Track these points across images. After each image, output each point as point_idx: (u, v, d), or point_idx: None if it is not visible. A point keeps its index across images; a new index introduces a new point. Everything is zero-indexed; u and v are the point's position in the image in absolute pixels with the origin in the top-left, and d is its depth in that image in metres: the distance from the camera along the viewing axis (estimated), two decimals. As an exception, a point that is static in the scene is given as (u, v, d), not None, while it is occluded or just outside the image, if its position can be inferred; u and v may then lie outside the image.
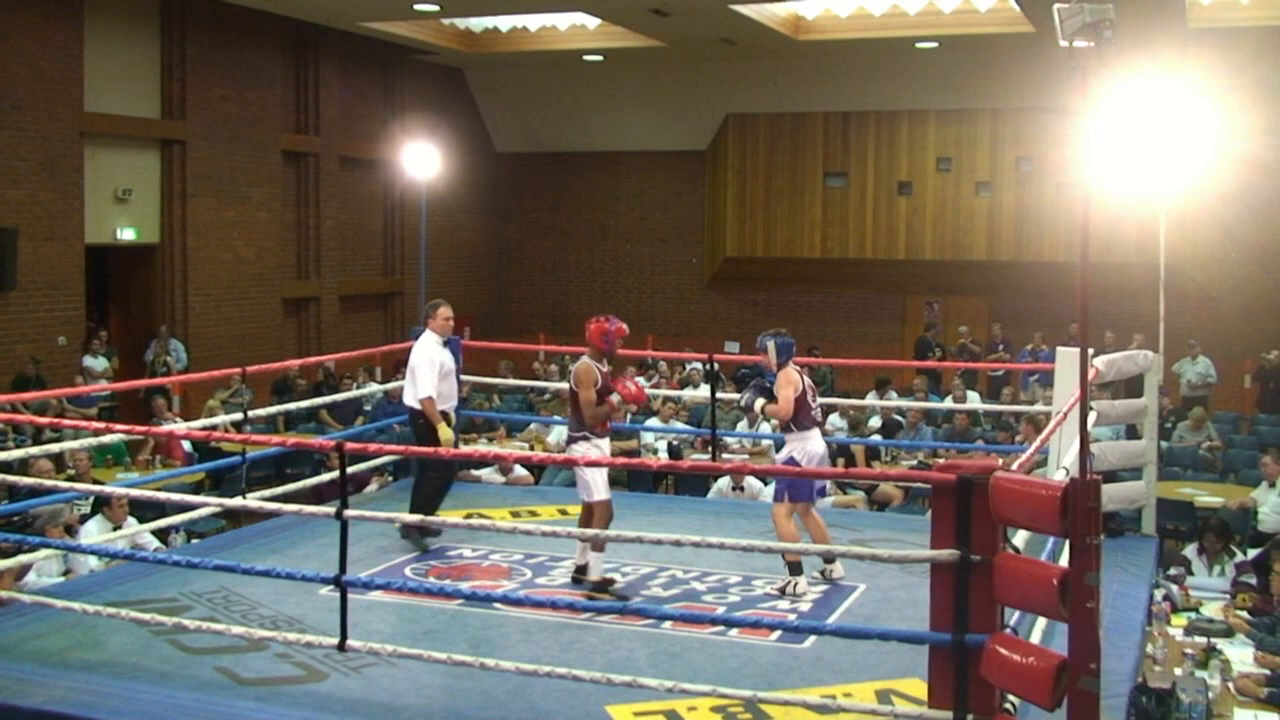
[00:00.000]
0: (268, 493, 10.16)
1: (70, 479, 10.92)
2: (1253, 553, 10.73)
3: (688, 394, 16.33)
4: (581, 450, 8.36)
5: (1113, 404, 9.96)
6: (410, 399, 9.48)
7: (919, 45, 21.17)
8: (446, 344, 9.53)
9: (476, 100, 26.39)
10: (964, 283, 24.05)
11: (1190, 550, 10.60)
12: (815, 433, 8.66)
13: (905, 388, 18.29)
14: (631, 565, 8.66)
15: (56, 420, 9.37)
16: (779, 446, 13.55)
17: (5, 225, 16.06)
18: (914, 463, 13.96)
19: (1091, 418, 6.89)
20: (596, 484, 8.29)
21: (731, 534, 8.19)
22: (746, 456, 13.88)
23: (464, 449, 12.82)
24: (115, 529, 9.47)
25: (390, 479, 12.35)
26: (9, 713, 6.10)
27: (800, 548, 7.85)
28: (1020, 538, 5.96)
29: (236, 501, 8.82)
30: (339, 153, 22.21)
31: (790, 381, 8.49)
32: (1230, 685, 7.36)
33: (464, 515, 10.01)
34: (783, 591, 8.05)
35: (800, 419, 8.53)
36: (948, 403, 16.32)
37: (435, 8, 19.16)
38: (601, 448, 8.42)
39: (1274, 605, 8.55)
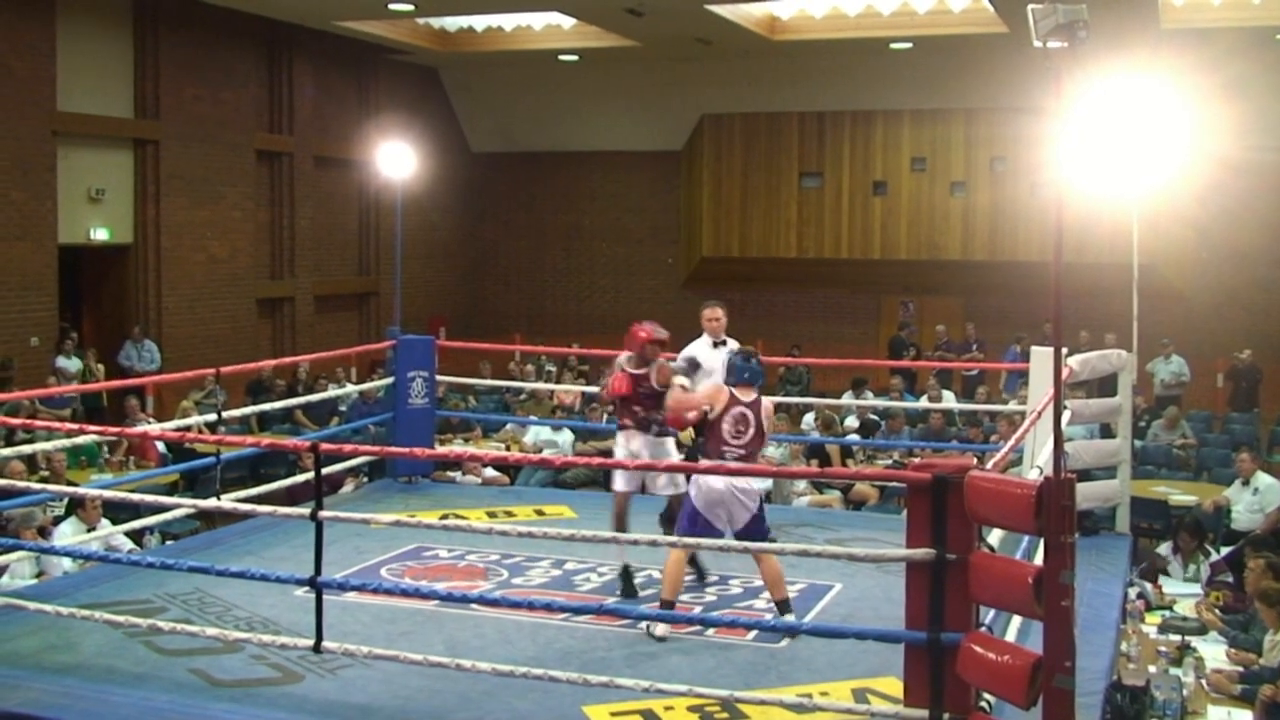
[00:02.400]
0: (242, 494, 10.11)
1: (44, 481, 10.85)
2: (1225, 550, 10.80)
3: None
4: (620, 438, 8.50)
5: (1087, 403, 9.99)
6: None
7: (893, 46, 21.22)
8: (718, 345, 8.91)
9: (451, 100, 26.34)
10: (939, 282, 24.12)
11: (1165, 549, 10.65)
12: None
13: (881, 387, 18.34)
14: (608, 565, 8.64)
15: (29, 422, 9.31)
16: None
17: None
18: (889, 462, 13.99)
19: (1066, 417, 6.92)
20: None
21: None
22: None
23: (440, 449, 12.82)
24: (89, 530, 9.42)
25: (365, 480, 12.31)
26: (-18, 715, 6.06)
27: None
28: (995, 536, 5.98)
29: (211, 503, 8.77)
30: (313, 152, 22.14)
31: (710, 396, 7.59)
32: (1204, 682, 7.40)
33: (439, 516, 9.99)
34: (649, 632, 7.28)
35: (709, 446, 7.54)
36: (923, 402, 16.37)
37: (410, 7, 19.11)
38: (622, 441, 8.47)
39: (1247, 603, 8.59)
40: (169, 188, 18.97)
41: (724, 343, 8.98)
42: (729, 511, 7.36)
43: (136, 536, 10.27)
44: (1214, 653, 7.99)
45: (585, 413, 15.72)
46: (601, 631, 7.36)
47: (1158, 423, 15.70)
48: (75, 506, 9.72)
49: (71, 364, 17.00)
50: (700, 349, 9.03)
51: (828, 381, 20.88)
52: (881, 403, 15.56)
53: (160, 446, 13.90)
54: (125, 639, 7.04)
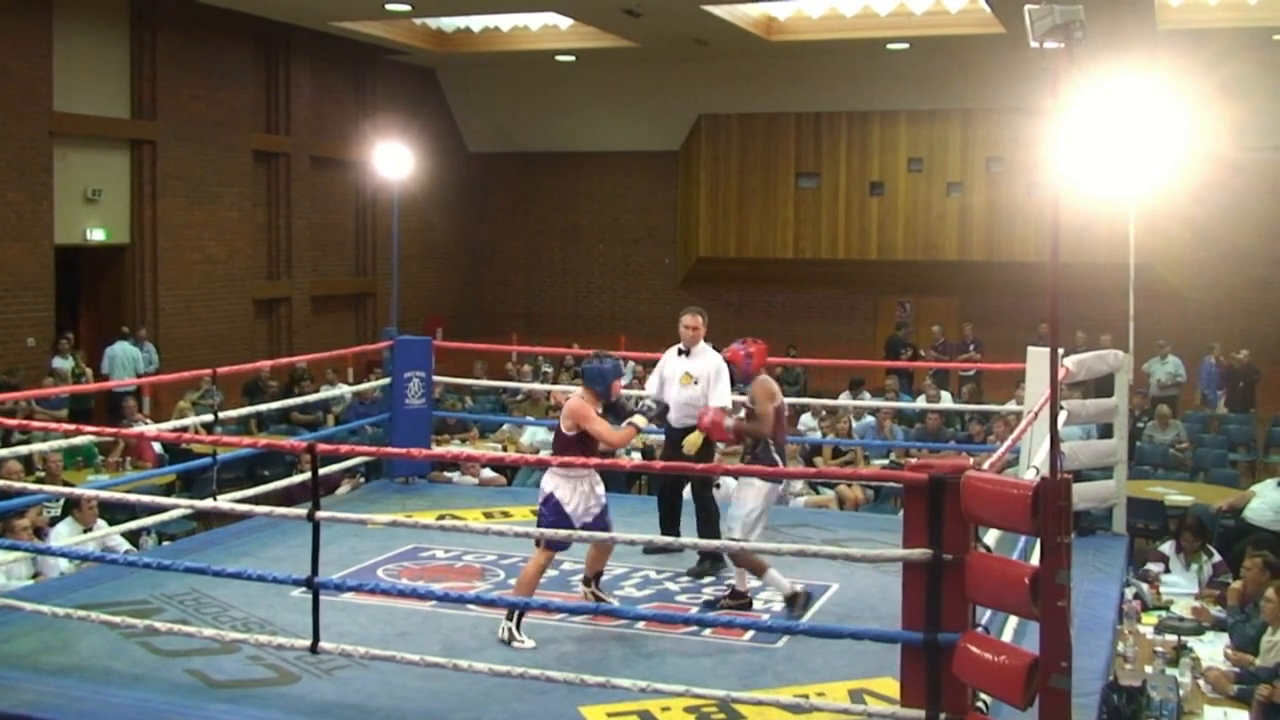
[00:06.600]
0: (239, 494, 10.10)
1: (40, 481, 10.83)
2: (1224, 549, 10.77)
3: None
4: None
5: (1083, 403, 10.00)
6: None
7: (890, 46, 21.24)
8: (682, 353, 8.92)
9: (449, 100, 26.34)
10: (936, 283, 24.14)
11: (1167, 548, 10.63)
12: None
13: (877, 388, 18.35)
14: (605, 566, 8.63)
15: (25, 422, 9.29)
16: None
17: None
18: (885, 462, 13.99)
19: (1062, 417, 6.92)
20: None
21: (705, 534, 8.18)
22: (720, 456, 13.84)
23: (437, 450, 12.80)
24: (85, 531, 9.41)
25: (362, 480, 12.30)
26: (-22, 717, 6.06)
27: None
28: (992, 536, 5.99)
29: (207, 503, 8.76)
30: (310, 153, 22.15)
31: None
32: (1200, 682, 7.40)
33: (436, 516, 9.99)
34: (508, 642, 7.07)
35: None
36: (920, 402, 16.37)
37: (407, 7, 19.11)
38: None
39: (1245, 599, 8.58)
40: (166, 188, 18.98)
41: (686, 352, 8.88)
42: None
43: (133, 537, 10.25)
44: (1211, 654, 7.99)
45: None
46: (598, 632, 7.36)
47: (1151, 423, 15.69)
48: (72, 507, 9.69)
49: (67, 364, 16.98)
50: (664, 356, 9.02)
51: (824, 382, 20.90)
52: (877, 403, 15.56)
53: (157, 447, 13.89)
54: (122, 640, 7.03)
